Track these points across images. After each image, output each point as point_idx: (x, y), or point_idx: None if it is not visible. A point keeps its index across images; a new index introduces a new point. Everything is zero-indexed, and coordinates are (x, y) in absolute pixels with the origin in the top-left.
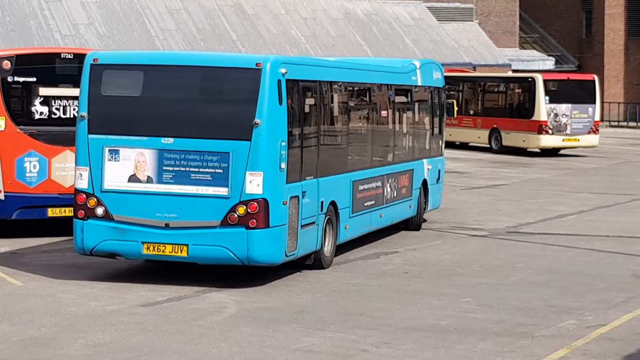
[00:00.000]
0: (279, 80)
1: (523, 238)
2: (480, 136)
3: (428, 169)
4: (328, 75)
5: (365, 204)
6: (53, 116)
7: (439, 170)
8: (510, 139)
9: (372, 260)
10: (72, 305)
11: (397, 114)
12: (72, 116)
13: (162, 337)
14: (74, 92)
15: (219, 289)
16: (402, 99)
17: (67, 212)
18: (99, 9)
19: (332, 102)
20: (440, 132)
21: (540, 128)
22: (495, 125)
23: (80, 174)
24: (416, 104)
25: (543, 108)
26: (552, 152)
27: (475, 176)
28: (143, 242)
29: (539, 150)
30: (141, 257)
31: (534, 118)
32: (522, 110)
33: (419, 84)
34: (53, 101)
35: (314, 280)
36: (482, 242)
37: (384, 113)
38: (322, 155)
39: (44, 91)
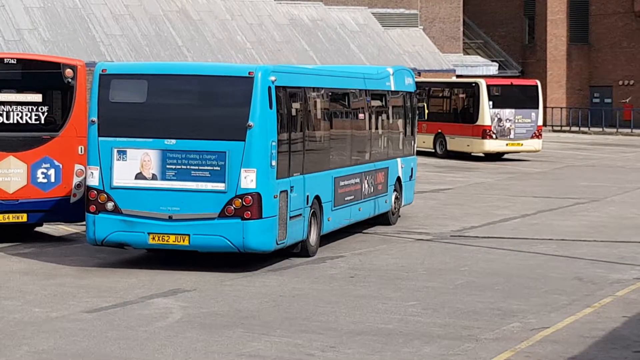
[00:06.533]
0: (269, 87)
1: (468, 242)
2: (425, 141)
3: (402, 167)
4: (312, 82)
5: (346, 199)
6: None
7: (412, 169)
8: (454, 143)
9: (317, 265)
10: (15, 312)
11: (373, 116)
12: (15, 122)
13: (106, 343)
14: (18, 97)
15: (164, 294)
16: (378, 103)
17: (11, 218)
18: (42, 14)
19: (315, 106)
20: (412, 133)
21: (484, 133)
22: (440, 130)
23: (92, 172)
24: (390, 108)
25: (487, 113)
26: (496, 157)
27: (421, 181)
28: (149, 233)
29: (483, 155)
30: (147, 247)
31: (478, 123)
32: (467, 115)
33: (393, 89)
34: None
35: (259, 285)
36: (427, 246)
37: (361, 116)
38: (307, 154)
39: None
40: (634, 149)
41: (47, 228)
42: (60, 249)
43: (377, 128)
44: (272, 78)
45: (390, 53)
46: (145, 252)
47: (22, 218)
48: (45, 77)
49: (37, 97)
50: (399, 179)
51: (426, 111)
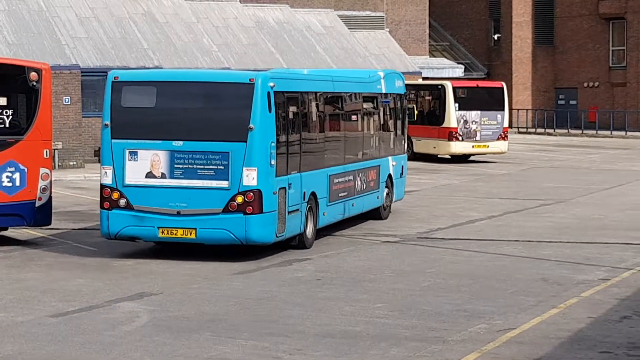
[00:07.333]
0: (269, 92)
1: (434, 244)
2: None
3: (393, 165)
4: (308, 87)
5: (340, 195)
6: None
7: (402, 166)
8: (421, 145)
9: (284, 267)
10: None
11: (365, 118)
12: None
13: (72, 347)
14: None
15: (131, 298)
16: (370, 105)
17: None
18: (7, 18)
19: (311, 109)
20: (403, 133)
21: (450, 135)
22: None
23: (106, 172)
24: (381, 109)
25: (453, 115)
26: (462, 159)
27: None
28: (159, 227)
29: (449, 157)
30: (157, 240)
31: (444, 125)
32: (433, 117)
33: (384, 91)
34: None
35: (226, 288)
36: (394, 248)
37: (354, 117)
38: (303, 154)
39: None
40: (599, 150)
41: (12, 232)
42: (25, 253)
43: (369, 128)
44: (271, 84)
45: (356, 55)
46: (110, 256)
47: None
48: (10, 81)
49: (2, 101)
50: (390, 176)
51: (415, 112)
